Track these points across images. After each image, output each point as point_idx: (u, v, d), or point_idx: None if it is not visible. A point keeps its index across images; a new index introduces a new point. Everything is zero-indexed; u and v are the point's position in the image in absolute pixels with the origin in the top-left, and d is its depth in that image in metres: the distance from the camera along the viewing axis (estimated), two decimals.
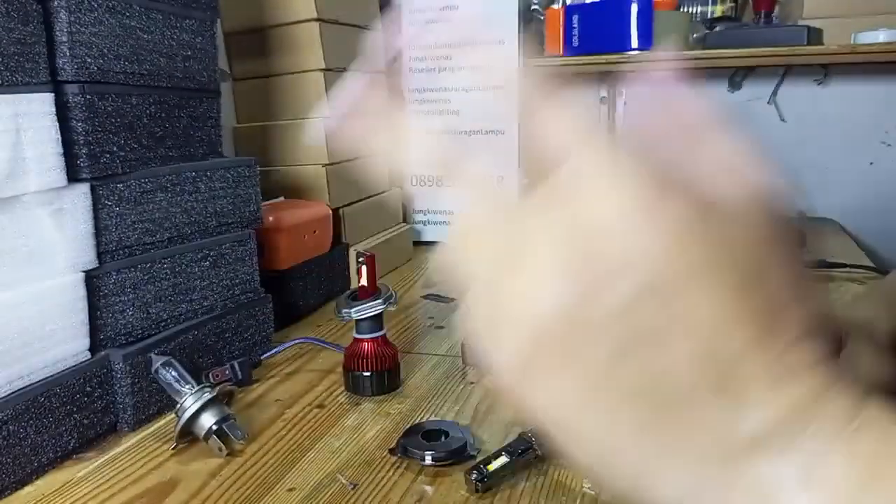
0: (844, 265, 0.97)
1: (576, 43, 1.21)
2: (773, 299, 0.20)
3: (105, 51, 0.53)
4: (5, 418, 0.46)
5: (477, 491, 0.42)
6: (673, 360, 0.20)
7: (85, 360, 0.52)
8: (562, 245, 0.20)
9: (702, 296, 0.20)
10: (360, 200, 1.00)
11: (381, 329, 0.61)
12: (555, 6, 1.34)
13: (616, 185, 0.20)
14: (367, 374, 0.60)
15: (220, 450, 0.50)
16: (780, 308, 0.21)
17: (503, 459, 0.43)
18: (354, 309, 0.60)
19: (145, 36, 0.57)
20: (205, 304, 0.64)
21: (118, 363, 0.54)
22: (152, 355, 0.55)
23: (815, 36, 1.14)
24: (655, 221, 0.20)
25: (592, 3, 1.21)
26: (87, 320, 0.53)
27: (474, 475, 0.43)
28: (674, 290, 0.20)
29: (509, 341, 0.21)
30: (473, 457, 0.46)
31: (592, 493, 0.44)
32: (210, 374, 0.59)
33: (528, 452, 0.45)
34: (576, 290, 0.20)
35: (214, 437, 0.51)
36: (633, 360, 0.20)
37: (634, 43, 1.16)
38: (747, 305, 0.20)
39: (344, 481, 0.47)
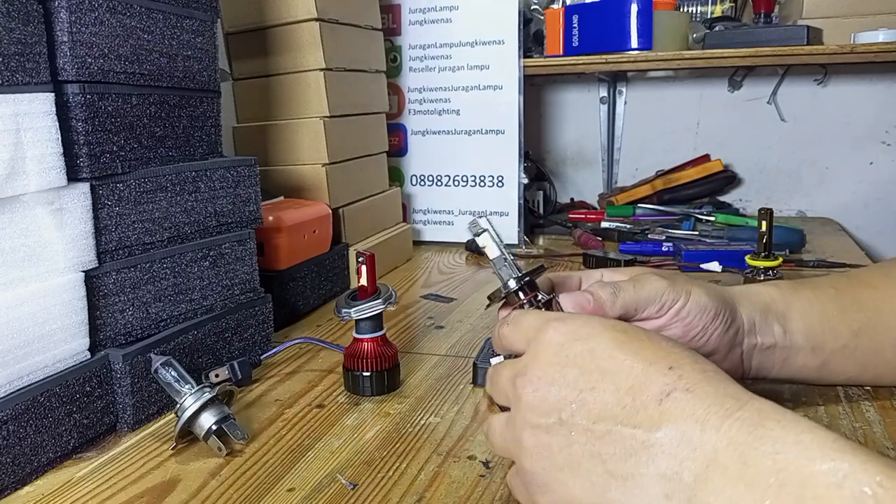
0: (844, 265, 0.97)
1: (576, 43, 1.21)
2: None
3: (106, 51, 0.53)
4: (5, 418, 0.46)
5: None
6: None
7: (85, 360, 0.52)
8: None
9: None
10: (360, 200, 1.00)
11: (380, 329, 0.61)
12: (555, 6, 1.34)
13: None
14: (367, 373, 0.60)
15: (220, 450, 0.50)
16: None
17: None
18: (354, 309, 0.60)
19: (146, 36, 0.57)
20: (205, 303, 0.64)
21: (118, 363, 0.54)
22: (152, 355, 0.55)
23: (814, 36, 1.14)
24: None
25: (592, 3, 1.21)
26: (86, 320, 0.53)
27: None
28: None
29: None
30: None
31: None
32: (210, 374, 0.59)
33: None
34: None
35: (214, 436, 0.51)
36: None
37: (634, 43, 1.16)
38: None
39: (344, 481, 0.47)
